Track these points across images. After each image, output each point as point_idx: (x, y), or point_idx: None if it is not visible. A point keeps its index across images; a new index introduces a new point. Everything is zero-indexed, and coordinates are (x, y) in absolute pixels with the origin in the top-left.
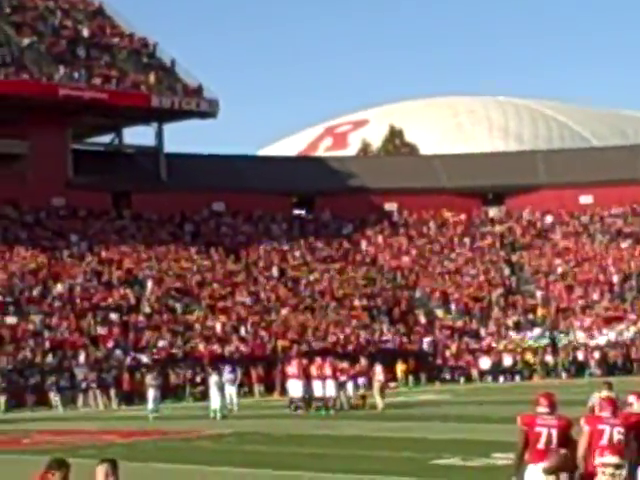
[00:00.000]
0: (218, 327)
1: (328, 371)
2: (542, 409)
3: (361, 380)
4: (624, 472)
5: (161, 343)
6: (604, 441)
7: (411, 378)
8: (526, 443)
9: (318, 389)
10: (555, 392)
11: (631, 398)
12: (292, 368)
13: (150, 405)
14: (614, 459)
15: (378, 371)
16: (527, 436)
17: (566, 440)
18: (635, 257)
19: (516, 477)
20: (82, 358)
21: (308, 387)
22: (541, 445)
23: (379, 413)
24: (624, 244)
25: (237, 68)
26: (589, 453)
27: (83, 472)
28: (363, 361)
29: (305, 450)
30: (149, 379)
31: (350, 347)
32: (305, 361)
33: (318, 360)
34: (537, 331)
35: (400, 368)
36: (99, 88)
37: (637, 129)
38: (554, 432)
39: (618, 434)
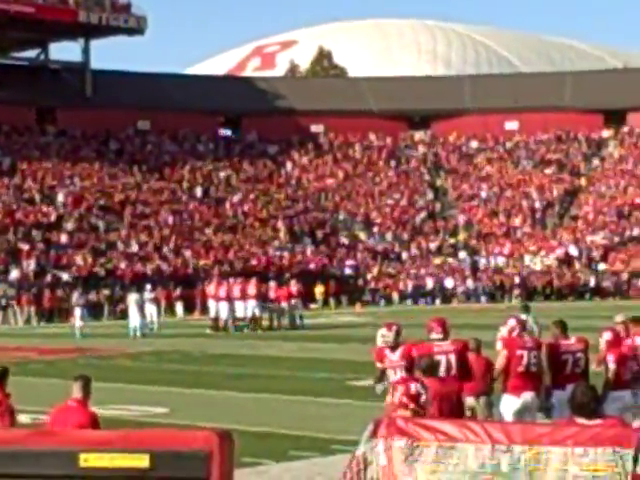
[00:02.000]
0: (140, 246)
1: (252, 291)
2: (435, 335)
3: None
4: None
5: (82, 261)
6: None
7: (332, 300)
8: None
9: (240, 309)
10: (475, 316)
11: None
12: (213, 288)
13: (78, 323)
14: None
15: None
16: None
17: (465, 363)
18: (558, 184)
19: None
20: (2, 275)
21: (229, 307)
22: (442, 373)
23: (300, 334)
24: (548, 171)
25: None
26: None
27: None
28: (293, 283)
29: (223, 370)
30: (75, 297)
31: (272, 268)
32: (227, 281)
33: (240, 280)
34: (459, 255)
35: (319, 290)
36: (25, 1)
37: (564, 55)
38: (452, 357)
39: (534, 358)
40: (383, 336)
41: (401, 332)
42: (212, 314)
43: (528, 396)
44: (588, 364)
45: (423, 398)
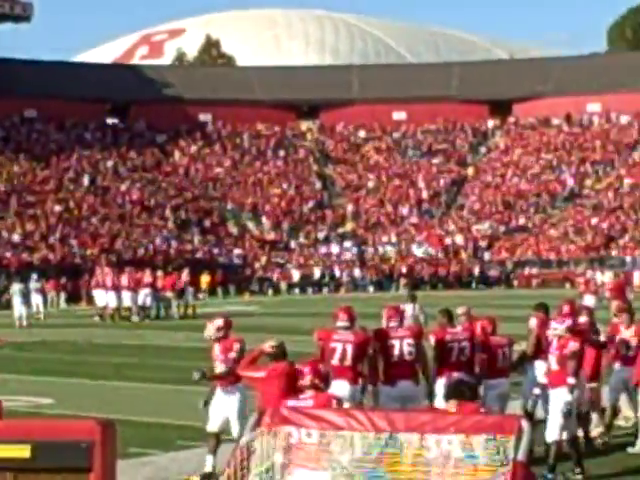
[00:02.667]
0: (26, 235)
1: (147, 279)
2: (341, 323)
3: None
4: None
5: None
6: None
7: (220, 289)
8: (323, 356)
9: (127, 299)
10: (362, 305)
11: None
12: (99, 278)
13: None
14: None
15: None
16: (323, 350)
17: (363, 354)
18: (445, 174)
19: None
20: None
21: (117, 297)
22: (335, 361)
23: (188, 323)
24: (435, 160)
25: None
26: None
27: None
28: (186, 272)
29: (110, 360)
30: None
31: (160, 257)
32: (115, 270)
33: (128, 270)
34: (346, 245)
35: (204, 279)
36: None
37: (451, 46)
38: (349, 348)
39: (408, 346)
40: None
41: (230, 326)
42: (100, 304)
43: (405, 385)
44: (473, 352)
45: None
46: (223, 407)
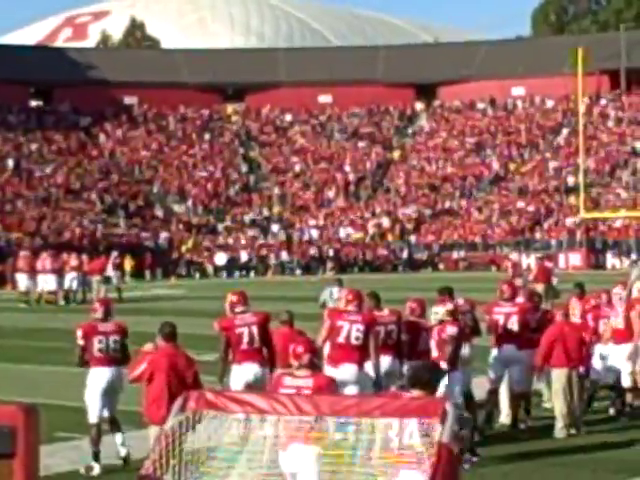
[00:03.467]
0: None
1: (74, 263)
2: (239, 308)
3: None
4: None
5: None
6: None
7: (147, 273)
8: (228, 345)
9: (51, 282)
10: (289, 288)
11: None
12: (21, 261)
13: None
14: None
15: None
16: (228, 339)
17: (266, 334)
18: (371, 157)
19: (221, 381)
20: None
21: (41, 280)
22: (243, 345)
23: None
24: (361, 144)
25: None
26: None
27: None
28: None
29: (35, 344)
30: None
31: (85, 241)
32: (38, 254)
33: (50, 253)
34: (273, 228)
35: (129, 263)
36: None
37: (377, 30)
38: (255, 329)
39: (357, 331)
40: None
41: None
42: (23, 288)
43: (348, 368)
44: (400, 336)
45: None
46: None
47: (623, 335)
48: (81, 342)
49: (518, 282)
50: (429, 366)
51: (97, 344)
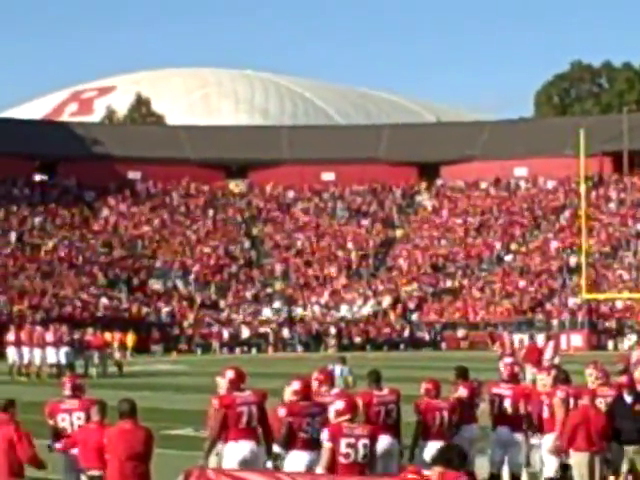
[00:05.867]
0: None
1: (66, 338)
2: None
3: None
4: None
5: None
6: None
7: (153, 347)
8: (225, 423)
9: (52, 356)
10: (290, 365)
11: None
12: (11, 335)
13: None
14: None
15: None
16: (226, 416)
17: (263, 414)
18: (373, 235)
19: (207, 458)
20: None
21: (42, 354)
22: (242, 424)
23: (114, 382)
24: (363, 222)
25: None
26: None
27: None
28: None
29: (34, 417)
30: None
31: (87, 314)
32: (34, 327)
33: (54, 326)
34: (275, 304)
35: (131, 338)
36: None
37: (381, 109)
38: (254, 409)
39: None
40: None
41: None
42: (25, 360)
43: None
44: (400, 415)
45: None
46: None
47: None
48: (50, 421)
49: (507, 361)
50: (454, 446)
51: (61, 422)
